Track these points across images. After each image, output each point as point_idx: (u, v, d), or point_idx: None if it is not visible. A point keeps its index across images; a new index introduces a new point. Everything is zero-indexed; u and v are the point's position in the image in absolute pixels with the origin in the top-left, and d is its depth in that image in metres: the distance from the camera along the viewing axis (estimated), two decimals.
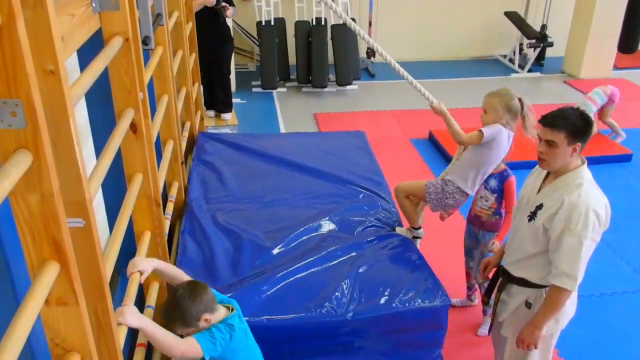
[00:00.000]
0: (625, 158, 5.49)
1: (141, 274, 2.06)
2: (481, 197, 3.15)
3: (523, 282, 2.37)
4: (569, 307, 2.34)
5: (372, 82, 8.01)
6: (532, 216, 2.28)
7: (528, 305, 2.36)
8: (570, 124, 2.15)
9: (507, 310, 2.46)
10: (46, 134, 1.07)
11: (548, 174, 2.32)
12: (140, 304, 2.34)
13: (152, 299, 2.39)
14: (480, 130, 2.90)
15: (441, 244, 3.86)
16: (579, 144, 2.16)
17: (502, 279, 2.48)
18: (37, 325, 1.15)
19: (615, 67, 8.23)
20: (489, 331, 2.72)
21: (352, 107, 7.01)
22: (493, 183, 3.10)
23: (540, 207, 2.25)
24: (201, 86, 5.17)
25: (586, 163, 2.26)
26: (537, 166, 2.37)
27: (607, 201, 2.21)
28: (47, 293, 1.18)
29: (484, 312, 3.30)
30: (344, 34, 7.36)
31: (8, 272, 1.46)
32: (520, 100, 2.88)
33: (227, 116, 6.08)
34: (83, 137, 1.60)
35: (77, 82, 1.45)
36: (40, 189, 1.11)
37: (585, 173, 2.23)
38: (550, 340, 2.42)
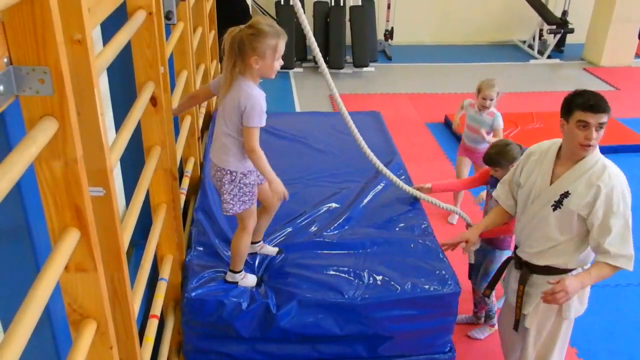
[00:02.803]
0: None
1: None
2: (491, 208, 2.93)
3: (546, 270, 2.37)
4: (588, 288, 2.39)
5: (389, 64, 7.96)
6: (558, 205, 2.26)
7: None
8: (609, 107, 2.20)
9: (531, 301, 2.43)
10: (72, 102, 1.09)
11: (557, 159, 2.30)
12: (154, 276, 2.38)
13: (165, 271, 2.43)
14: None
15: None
16: None
17: (523, 270, 2.45)
18: (54, 291, 1.18)
19: (637, 56, 8.12)
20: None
21: (368, 89, 6.98)
22: None
23: (566, 194, 2.23)
24: (219, 64, 5.18)
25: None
26: (532, 151, 2.42)
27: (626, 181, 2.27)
28: (67, 259, 1.21)
29: (479, 317, 3.23)
30: (362, 16, 7.31)
31: (29, 237, 1.49)
32: None
33: None
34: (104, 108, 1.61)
35: (102, 53, 1.46)
36: (65, 156, 1.13)
37: (599, 155, 2.26)
38: (571, 325, 2.45)
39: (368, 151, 2.96)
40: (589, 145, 2.18)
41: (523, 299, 2.46)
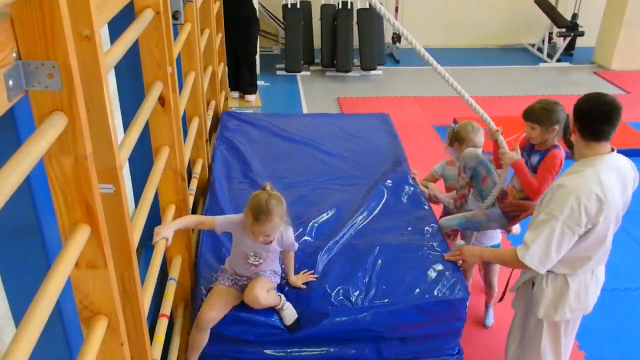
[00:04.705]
0: None
1: (166, 240, 2.14)
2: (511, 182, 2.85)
3: None
4: (572, 299, 2.29)
5: (397, 67, 7.95)
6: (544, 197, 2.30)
7: (532, 284, 2.37)
8: (577, 102, 2.21)
9: (517, 282, 2.50)
10: (81, 97, 1.09)
11: None
12: (164, 276, 2.38)
13: (175, 271, 2.43)
14: None
15: None
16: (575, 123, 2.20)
17: None
18: (65, 287, 1.18)
19: None
20: None
21: (375, 92, 6.98)
22: (535, 160, 2.75)
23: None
24: (226, 67, 5.20)
25: (613, 152, 2.18)
26: None
27: (604, 195, 2.08)
28: (77, 255, 1.21)
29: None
30: (369, 19, 7.31)
31: (40, 234, 1.50)
32: None
33: (251, 97, 6.11)
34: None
35: (110, 50, 1.47)
36: (74, 151, 1.13)
37: (599, 162, 2.13)
38: (557, 329, 2.39)
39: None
40: None
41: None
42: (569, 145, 2.54)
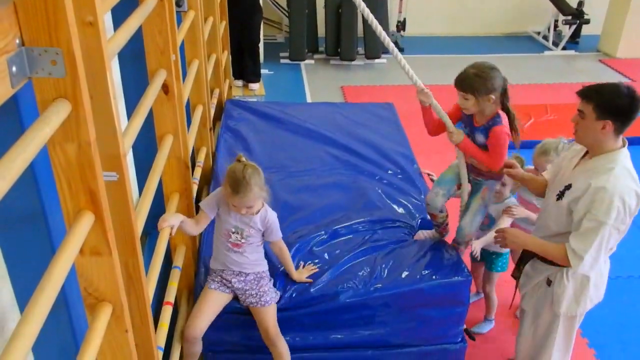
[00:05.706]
0: None
1: (172, 227, 2.14)
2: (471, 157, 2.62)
3: (546, 260, 2.35)
4: (592, 290, 2.30)
5: (401, 56, 7.90)
6: (560, 195, 2.24)
7: (549, 282, 2.36)
8: (601, 98, 2.08)
9: (529, 283, 2.47)
10: (85, 84, 1.09)
11: (586, 153, 2.25)
12: (168, 264, 2.39)
13: (179, 259, 2.44)
14: None
15: None
16: (609, 121, 2.06)
17: (530, 252, 2.45)
18: (71, 274, 1.19)
19: None
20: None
21: (380, 80, 6.94)
22: (480, 139, 2.52)
23: (568, 187, 2.21)
24: (230, 55, 5.18)
25: (626, 145, 2.16)
26: (576, 143, 2.30)
27: (639, 188, 2.11)
28: (81, 242, 1.21)
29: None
30: (374, 7, 7.24)
31: (44, 221, 1.50)
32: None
33: (254, 86, 6.09)
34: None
35: (114, 37, 1.47)
36: (78, 138, 1.13)
37: (621, 156, 2.13)
38: (572, 322, 2.41)
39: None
40: (574, 130, 2.17)
41: (522, 279, 2.49)
42: (508, 112, 2.41)
